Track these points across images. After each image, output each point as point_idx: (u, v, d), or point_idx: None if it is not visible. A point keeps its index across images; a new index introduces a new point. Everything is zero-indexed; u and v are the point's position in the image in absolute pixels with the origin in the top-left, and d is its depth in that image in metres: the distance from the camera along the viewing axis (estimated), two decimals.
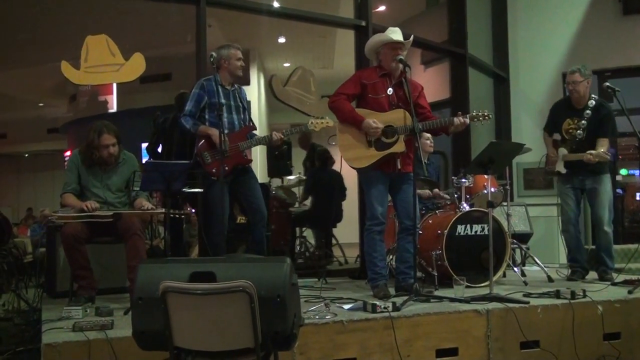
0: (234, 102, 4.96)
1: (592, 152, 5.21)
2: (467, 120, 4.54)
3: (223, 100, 4.75)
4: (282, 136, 4.92)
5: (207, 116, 4.88)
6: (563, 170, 5.51)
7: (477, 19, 8.38)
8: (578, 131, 5.41)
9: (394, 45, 4.58)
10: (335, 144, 4.80)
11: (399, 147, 4.53)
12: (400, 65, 4.53)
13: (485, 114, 4.57)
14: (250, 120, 5.14)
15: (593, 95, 5.45)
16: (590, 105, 5.40)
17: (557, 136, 5.64)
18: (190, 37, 6.01)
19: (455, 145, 7.82)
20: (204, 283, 2.39)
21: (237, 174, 4.90)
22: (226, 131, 4.64)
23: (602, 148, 5.26)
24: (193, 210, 6.51)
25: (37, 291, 5.31)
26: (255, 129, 5.18)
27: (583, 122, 5.40)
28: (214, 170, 4.76)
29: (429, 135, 6.00)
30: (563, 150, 5.50)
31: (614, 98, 5.20)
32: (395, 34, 4.63)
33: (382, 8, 9.33)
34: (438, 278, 5.05)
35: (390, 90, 4.63)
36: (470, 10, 7.97)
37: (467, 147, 7.71)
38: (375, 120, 4.52)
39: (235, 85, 5.03)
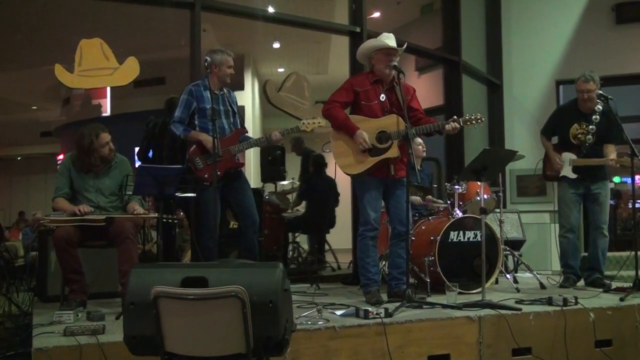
0: (223, 107, 4.94)
1: (614, 158, 5.30)
2: (458, 125, 4.54)
3: (213, 105, 4.70)
4: (281, 136, 4.92)
5: (196, 122, 4.87)
6: (572, 175, 5.49)
7: (471, 26, 8.42)
8: (588, 136, 5.41)
9: (388, 51, 4.59)
10: (330, 151, 4.82)
11: (393, 152, 4.54)
12: (394, 71, 4.54)
13: (478, 117, 4.57)
14: (242, 123, 5.12)
15: (598, 101, 5.39)
16: (598, 110, 5.39)
17: (554, 140, 5.66)
18: (185, 42, 6.01)
19: (449, 152, 7.85)
20: (196, 288, 2.39)
21: (229, 178, 4.89)
22: (217, 136, 4.63)
23: (614, 154, 5.36)
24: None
25: (28, 295, 5.28)
26: (247, 132, 5.17)
27: (592, 127, 5.40)
28: (205, 175, 4.75)
29: (420, 140, 6.02)
30: (570, 155, 5.49)
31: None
32: (389, 40, 4.63)
33: (376, 14, 9.35)
34: (430, 284, 5.05)
35: (382, 97, 4.64)
36: (465, 17, 8.00)
37: (460, 153, 7.73)
38: (365, 130, 4.54)
39: (224, 89, 5.01)
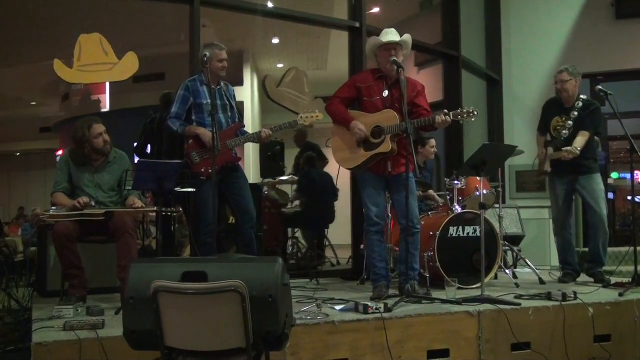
0: (220, 101, 4.91)
1: (567, 148, 5.20)
2: (449, 119, 4.40)
3: (211, 100, 4.63)
4: (271, 132, 4.91)
5: (193, 117, 4.85)
6: (548, 169, 5.51)
7: (470, 21, 8.40)
8: (564, 131, 5.37)
9: (387, 46, 4.57)
10: (331, 146, 4.85)
11: (385, 147, 4.51)
12: (395, 67, 4.52)
13: (471, 110, 4.39)
14: (239, 118, 5.11)
15: (582, 96, 5.42)
16: (578, 106, 5.36)
17: (549, 136, 5.66)
18: (184, 37, 6.00)
19: (449, 148, 7.84)
20: (195, 283, 2.39)
21: (226, 173, 4.87)
22: (216, 131, 4.61)
23: (578, 143, 5.23)
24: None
25: (28, 290, 5.29)
26: (244, 127, 5.16)
27: (570, 122, 5.36)
28: (202, 170, 4.74)
29: (434, 143, 6.04)
30: (550, 150, 5.50)
31: (606, 102, 5.22)
32: (388, 35, 4.60)
33: (376, 10, 9.34)
34: (430, 279, 5.05)
35: (386, 93, 4.63)
36: (464, 12, 7.99)
37: (460, 149, 7.73)
38: (361, 124, 4.55)
39: (222, 84, 4.98)
